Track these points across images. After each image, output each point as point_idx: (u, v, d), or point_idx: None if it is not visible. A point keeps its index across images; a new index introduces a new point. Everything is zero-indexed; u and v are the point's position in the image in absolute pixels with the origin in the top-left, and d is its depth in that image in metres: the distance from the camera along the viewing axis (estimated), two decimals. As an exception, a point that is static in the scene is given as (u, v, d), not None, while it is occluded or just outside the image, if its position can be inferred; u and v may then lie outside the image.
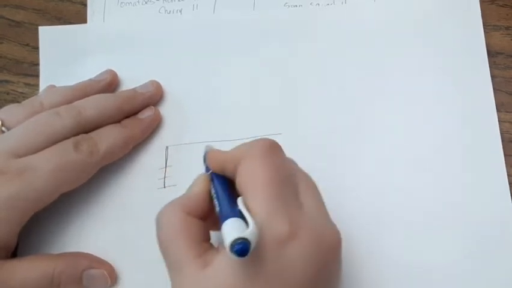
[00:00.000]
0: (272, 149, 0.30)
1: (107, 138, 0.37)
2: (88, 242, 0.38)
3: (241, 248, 0.25)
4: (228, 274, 0.27)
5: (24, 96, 0.43)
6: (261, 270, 0.27)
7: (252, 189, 0.28)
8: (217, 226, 0.28)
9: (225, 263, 0.27)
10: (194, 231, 0.30)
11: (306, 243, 0.27)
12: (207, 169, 0.32)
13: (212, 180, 0.32)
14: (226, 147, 0.39)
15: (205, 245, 0.29)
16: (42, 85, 0.43)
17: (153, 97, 0.41)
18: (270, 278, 0.27)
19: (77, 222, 0.38)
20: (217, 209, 0.29)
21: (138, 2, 0.45)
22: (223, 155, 0.31)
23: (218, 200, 0.30)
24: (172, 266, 0.29)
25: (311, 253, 0.27)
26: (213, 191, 0.31)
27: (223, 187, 0.30)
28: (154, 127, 0.40)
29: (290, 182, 0.29)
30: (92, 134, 0.37)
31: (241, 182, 0.29)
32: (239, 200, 0.28)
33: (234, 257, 0.25)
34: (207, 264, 0.28)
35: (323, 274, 0.28)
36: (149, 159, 0.40)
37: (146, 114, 0.40)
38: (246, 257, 0.25)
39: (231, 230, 0.26)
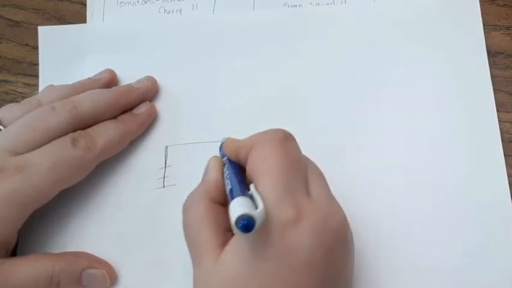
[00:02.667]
0: (285, 138, 0.31)
1: (104, 133, 0.37)
2: (88, 242, 0.38)
3: (246, 223, 0.25)
4: (236, 262, 0.27)
5: (24, 96, 0.43)
6: (268, 254, 0.27)
7: (262, 174, 0.29)
8: None
9: (233, 251, 0.28)
10: (220, 218, 0.30)
11: (311, 226, 0.27)
12: (223, 157, 0.33)
13: (225, 165, 0.32)
14: (226, 147, 0.39)
15: (228, 234, 0.30)
16: (42, 85, 0.43)
17: (149, 92, 0.41)
18: (277, 261, 0.27)
19: (77, 222, 0.38)
20: (228, 190, 0.30)
21: (137, 1, 0.45)
22: (238, 142, 0.32)
23: (229, 181, 0.30)
24: (195, 256, 0.30)
25: (316, 235, 0.27)
26: (226, 174, 0.32)
27: (235, 171, 0.31)
28: (150, 122, 0.40)
29: (300, 170, 0.30)
30: (89, 130, 0.37)
31: (251, 167, 0.30)
32: (251, 186, 0.28)
33: (239, 233, 0.25)
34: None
35: (330, 256, 0.28)
36: (149, 159, 0.40)
37: (142, 109, 0.40)
38: (251, 233, 0.25)
39: (237, 206, 0.26)
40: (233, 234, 0.30)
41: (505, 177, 0.37)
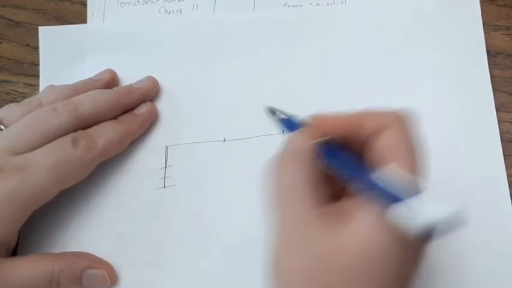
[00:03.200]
0: (408, 120, 0.29)
1: (105, 134, 0.37)
2: (88, 242, 0.38)
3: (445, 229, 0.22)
4: (370, 238, 0.25)
5: (24, 96, 0.43)
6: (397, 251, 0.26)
7: (404, 158, 0.27)
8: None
9: (364, 226, 0.26)
10: (319, 186, 0.28)
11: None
12: (289, 126, 0.31)
13: (327, 149, 0.29)
14: (227, 147, 0.39)
15: (328, 204, 0.28)
16: (42, 85, 0.43)
17: (149, 92, 0.41)
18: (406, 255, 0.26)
19: (78, 222, 0.38)
20: (351, 175, 0.28)
21: (138, 2, 0.45)
22: (346, 117, 0.30)
23: (348, 167, 0.28)
24: (290, 221, 0.27)
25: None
26: (336, 161, 0.29)
27: (350, 156, 0.28)
28: (151, 122, 0.40)
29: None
30: (90, 130, 0.37)
31: (386, 149, 0.27)
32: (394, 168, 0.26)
33: (424, 239, 0.23)
34: (338, 224, 0.26)
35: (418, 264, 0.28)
36: (149, 159, 0.40)
37: (142, 109, 0.40)
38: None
39: (427, 208, 0.23)
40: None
41: (505, 177, 0.37)
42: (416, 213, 0.23)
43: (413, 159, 0.27)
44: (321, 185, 0.28)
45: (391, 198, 0.24)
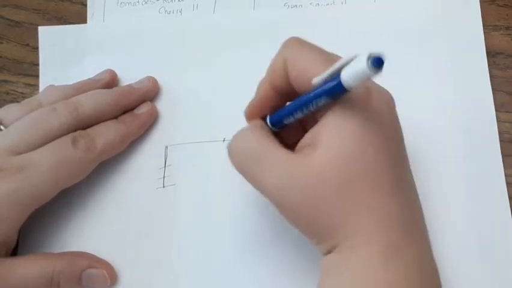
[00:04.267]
0: (300, 39, 0.32)
1: (104, 134, 0.37)
2: (88, 242, 0.38)
3: (378, 58, 0.25)
4: (342, 142, 0.28)
5: (24, 96, 0.43)
6: (364, 122, 0.28)
7: (314, 66, 0.30)
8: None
9: (332, 135, 0.28)
10: (276, 142, 0.31)
11: (380, 98, 0.30)
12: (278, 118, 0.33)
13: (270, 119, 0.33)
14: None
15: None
16: (42, 85, 0.43)
17: (150, 92, 0.41)
18: (373, 125, 0.29)
19: (77, 222, 0.38)
20: (317, 96, 0.29)
21: (138, 2, 0.45)
22: (262, 88, 0.34)
23: (305, 99, 0.30)
24: (268, 171, 0.30)
25: (388, 104, 0.31)
26: (289, 109, 0.31)
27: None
28: (151, 123, 0.40)
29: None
30: (89, 130, 0.37)
31: (301, 67, 0.30)
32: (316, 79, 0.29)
33: (370, 72, 0.25)
34: (311, 152, 0.29)
35: (396, 123, 0.31)
36: (149, 159, 0.40)
37: (142, 109, 0.40)
38: (381, 68, 0.25)
39: (354, 60, 0.26)
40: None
41: (503, 177, 0.37)
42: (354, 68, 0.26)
43: (321, 60, 0.30)
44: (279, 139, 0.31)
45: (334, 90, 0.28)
